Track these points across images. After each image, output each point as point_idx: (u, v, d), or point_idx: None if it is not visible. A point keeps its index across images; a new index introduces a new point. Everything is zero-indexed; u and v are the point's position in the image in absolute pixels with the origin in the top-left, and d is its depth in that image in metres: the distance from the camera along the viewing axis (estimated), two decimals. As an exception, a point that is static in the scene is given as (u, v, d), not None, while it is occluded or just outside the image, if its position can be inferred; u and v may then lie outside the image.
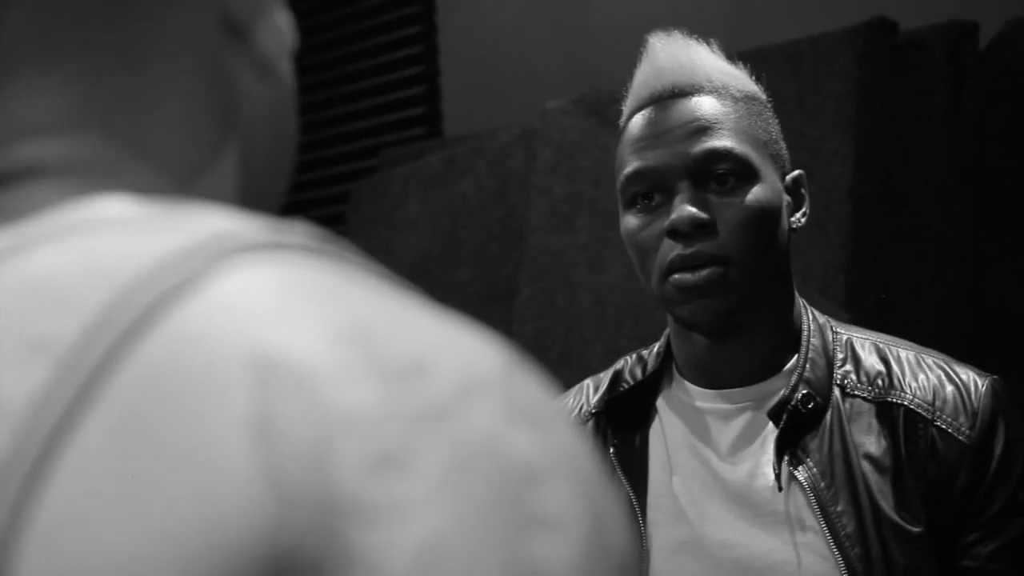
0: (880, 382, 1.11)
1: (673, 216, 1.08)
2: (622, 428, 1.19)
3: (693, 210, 1.07)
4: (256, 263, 0.35)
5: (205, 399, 0.31)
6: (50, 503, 0.31)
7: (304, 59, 3.66)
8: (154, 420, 0.31)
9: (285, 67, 0.49)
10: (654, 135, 1.11)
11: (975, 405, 1.09)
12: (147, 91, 0.43)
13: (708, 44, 1.17)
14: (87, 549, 0.30)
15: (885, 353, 1.14)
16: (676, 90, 1.12)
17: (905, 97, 2.08)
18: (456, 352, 0.34)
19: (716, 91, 1.12)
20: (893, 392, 1.10)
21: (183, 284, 0.34)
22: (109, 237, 0.36)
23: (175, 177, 0.43)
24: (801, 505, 1.08)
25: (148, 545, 0.30)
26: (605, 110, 2.46)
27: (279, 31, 0.49)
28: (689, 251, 1.07)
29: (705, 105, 1.11)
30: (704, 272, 1.07)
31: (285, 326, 0.33)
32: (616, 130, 1.19)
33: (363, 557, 0.30)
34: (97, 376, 0.32)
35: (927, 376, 1.11)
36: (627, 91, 1.18)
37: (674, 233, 1.08)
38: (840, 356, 1.14)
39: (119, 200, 0.39)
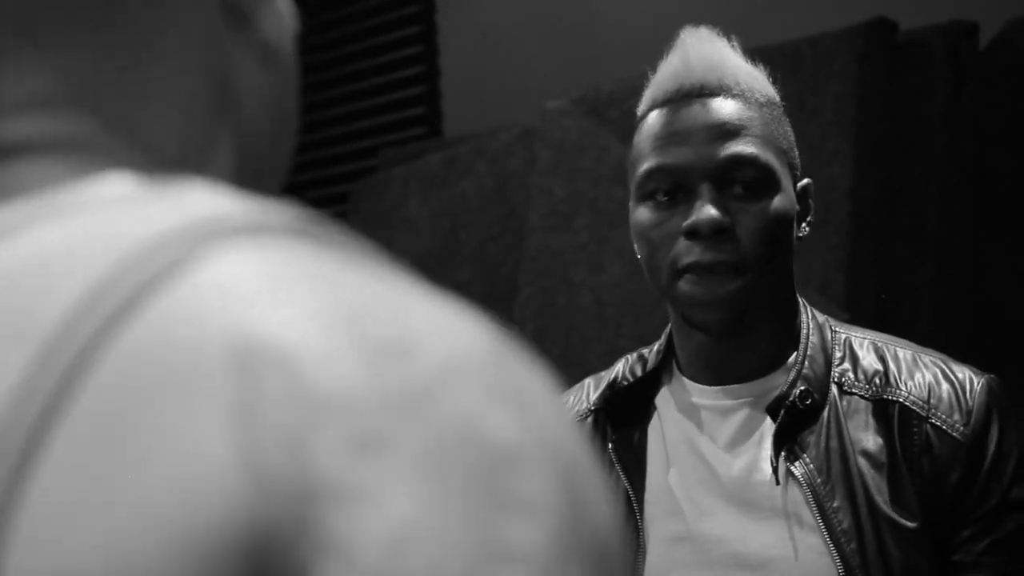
0: (877, 380, 1.12)
1: (693, 217, 1.08)
2: (621, 424, 1.20)
3: (716, 213, 1.08)
4: (242, 246, 0.34)
5: (186, 386, 0.31)
6: (37, 493, 0.31)
7: (304, 59, 3.65)
8: (136, 408, 0.31)
9: (287, 53, 0.49)
10: (678, 132, 1.11)
11: (970, 403, 1.10)
12: (140, 71, 0.42)
13: (731, 43, 1.18)
14: (73, 538, 0.30)
15: (883, 352, 1.15)
16: (704, 89, 1.12)
17: (905, 97, 2.08)
18: (441, 332, 0.34)
19: (742, 95, 1.12)
20: (889, 390, 1.11)
21: (167, 268, 0.33)
22: (95, 219, 0.36)
23: (165, 158, 0.42)
24: (798, 500, 1.08)
25: (129, 532, 0.30)
26: (605, 110, 2.47)
27: (281, 16, 0.48)
28: (707, 259, 1.08)
29: (732, 108, 1.11)
30: (719, 279, 1.08)
31: (269, 310, 0.32)
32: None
33: (336, 541, 0.30)
34: (79, 364, 0.32)
35: (923, 374, 1.12)
36: (648, 82, 1.18)
37: (692, 234, 1.08)
38: (838, 355, 1.15)
39: (107, 179, 0.39)
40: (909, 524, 1.06)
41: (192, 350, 0.32)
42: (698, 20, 1.20)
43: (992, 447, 1.08)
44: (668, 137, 1.12)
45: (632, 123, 1.19)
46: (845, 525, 1.06)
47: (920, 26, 2.11)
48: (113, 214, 0.36)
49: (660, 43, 1.19)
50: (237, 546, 0.30)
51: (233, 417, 0.31)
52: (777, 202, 1.10)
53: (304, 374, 0.31)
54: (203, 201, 0.36)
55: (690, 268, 1.08)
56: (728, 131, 1.10)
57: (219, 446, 0.30)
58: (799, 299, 1.18)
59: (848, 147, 2.05)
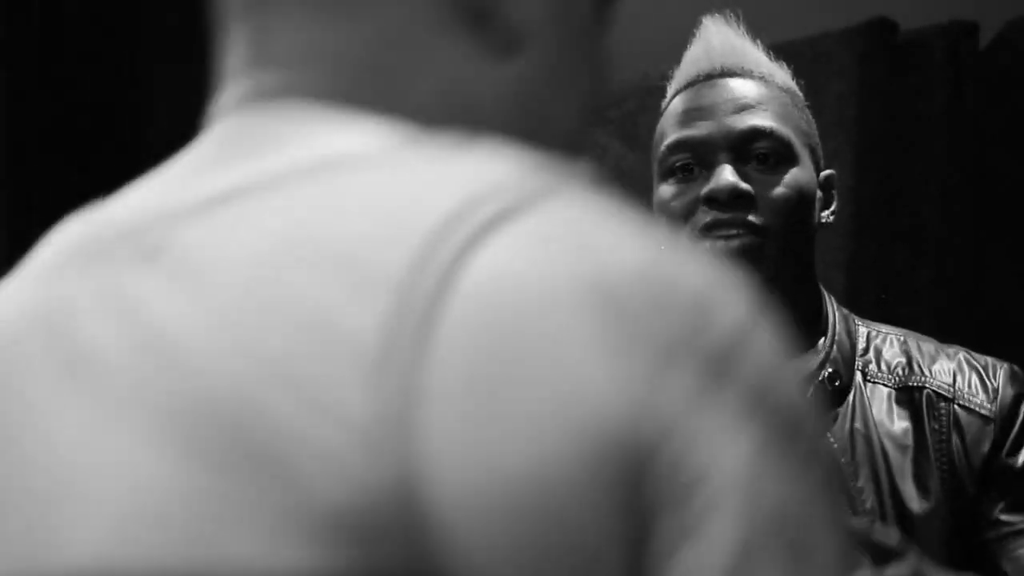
0: (900, 371, 1.14)
1: (712, 184, 1.10)
2: None
3: (734, 179, 1.09)
4: (553, 205, 0.37)
5: (550, 320, 0.34)
6: (436, 383, 0.33)
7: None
8: (503, 338, 0.34)
9: (554, 35, 0.44)
10: (700, 108, 1.14)
11: (995, 382, 1.13)
12: (393, 45, 0.42)
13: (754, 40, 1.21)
14: (491, 437, 0.33)
15: (906, 345, 1.17)
16: (725, 71, 1.16)
17: (905, 97, 2.08)
18: (726, 295, 0.37)
19: (763, 78, 1.16)
20: (914, 377, 1.14)
21: (496, 218, 0.35)
22: (405, 171, 0.38)
23: (430, 120, 0.42)
24: None
25: (543, 439, 0.33)
26: (605, 110, 2.46)
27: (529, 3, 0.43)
28: (726, 216, 1.09)
29: (752, 87, 1.15)
30: (740, 240, 1.09)
31: (606, 257, 0.36)
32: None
33: (699, 467, 0.34)
34: (435, 303, 0.34)
35: (946, 363, 1.15)
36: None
37: (711, 201, 1.10)
38: (861, 346, 1.17)
39: (389, 134, 0.40)
40: (925, 505, 1.08)
41: (544, 288, 0.35)
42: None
43: (1021, 419, 1.11)
44: (689, 113, 1.15)
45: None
46: (868, 505, 1.07)
47: (920, 26, 2.11)
48: (420, 168, 0.38)
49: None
50: (623, 453, 0.34)
51: (609, 351, 0.34)
52: (796, 174, 1.13)
53: (648, 322, 0.35)
54: (498, 161, 0.38)
55: (708, 227, 1.09)
56: (747, 105, 1.13)
57: (598, 371, 0.34)
58: (821, 288, 1.20)
59: (848, 147, 2.05)
